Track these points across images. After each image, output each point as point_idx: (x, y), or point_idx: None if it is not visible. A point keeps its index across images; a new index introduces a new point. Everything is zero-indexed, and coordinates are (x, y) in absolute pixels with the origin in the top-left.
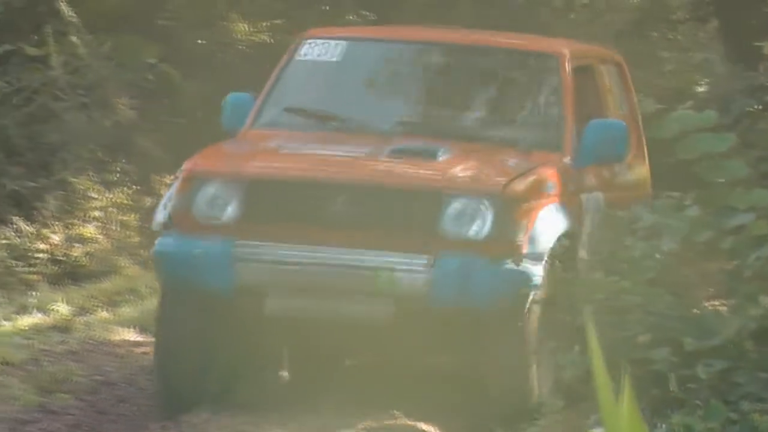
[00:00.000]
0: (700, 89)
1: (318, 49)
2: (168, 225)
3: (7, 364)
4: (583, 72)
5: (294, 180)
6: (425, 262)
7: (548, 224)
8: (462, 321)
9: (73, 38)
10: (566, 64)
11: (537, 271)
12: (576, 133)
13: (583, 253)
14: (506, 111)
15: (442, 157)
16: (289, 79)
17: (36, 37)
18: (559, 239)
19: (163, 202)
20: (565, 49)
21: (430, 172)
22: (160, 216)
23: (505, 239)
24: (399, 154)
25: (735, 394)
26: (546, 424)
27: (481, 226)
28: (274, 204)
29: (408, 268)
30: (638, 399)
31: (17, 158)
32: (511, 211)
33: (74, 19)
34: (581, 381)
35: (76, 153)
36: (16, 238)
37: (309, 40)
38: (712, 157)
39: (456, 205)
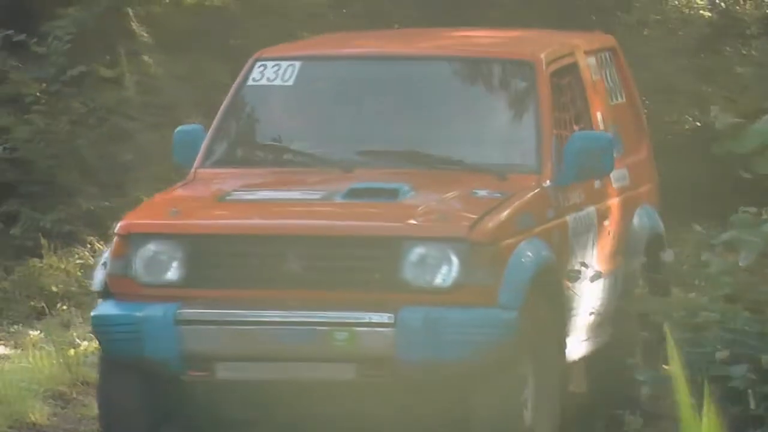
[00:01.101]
0: None
1: (270, 73)
2: (106, 289)
3: (85, 383)
4: (565, 73)
5: (241, 234)
6: (387, 318)
7: (524, 264)
8: (434, 377)
9: (146, 58)
10: (542, 70)
11: (512, 318)
12: (556, 149)
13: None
14: (477, 130)
15: (402, 197)
16: (240, 109)
17: (109, 58)
18: (536, 280)
19: (101, 260)
20: (540, 53)
21: (388, 216)
22: (99, 277)
23: (474, 286)
24: (356, 195)
25: None
26: None
27: (447, 274)
28: (221, 262)
29: (369, 326)
30: (717, 416)
31: (91, 178)
32: (479, 255)
33: (147, 39)
34: (659, 398)
35: (149, 173)
36: (91, 257)
37: (260, 62)
38: None
39: (418, 253)
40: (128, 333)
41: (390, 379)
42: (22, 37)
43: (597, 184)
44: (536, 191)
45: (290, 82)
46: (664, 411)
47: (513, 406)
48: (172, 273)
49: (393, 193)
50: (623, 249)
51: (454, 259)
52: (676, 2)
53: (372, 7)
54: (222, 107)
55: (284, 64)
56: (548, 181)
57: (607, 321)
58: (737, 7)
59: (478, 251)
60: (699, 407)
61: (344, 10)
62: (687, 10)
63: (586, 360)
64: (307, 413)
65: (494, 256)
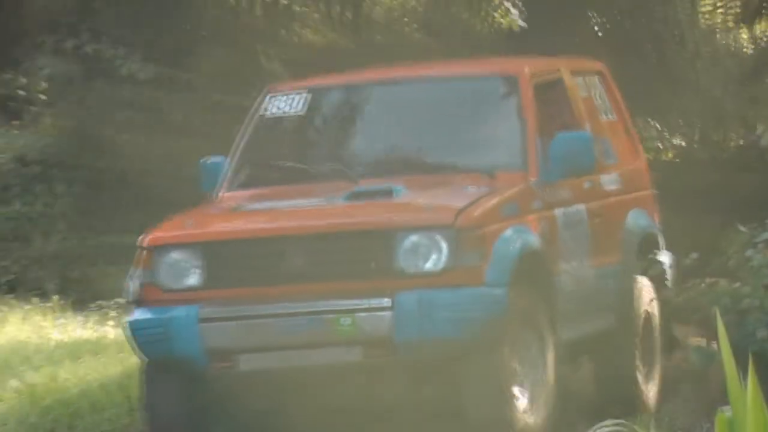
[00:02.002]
0: None
1: (282, 104)
2: (135, 298)
3: None
4: (550, 87)
5: (250, 237)
6: (386, 302)
7: (509, 246)
8: (431, 355)
9: None
10: (526, 82)
11: (501, 294)
12: (541, 150)
13: (564, 266)
14: (470, 137)
15: (397, 195)
16: (256, 139)
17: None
18: (522, 261)
19: (129, 273)
20: (525, 68)
21: (383, 211)
22: (130, 289)
23: (462, 268)
24: (355, 197)
25: None
26: (675, 405)
27: (437, 259)
28: (234, 264)
29: (370, 311)
30: (758, 386)
31: None
32: (466, 240)
33: (279, 71)
34: (706, 368)
35: None
36: None
37: (271, 95)
38: None
39: (410, 241)
40: (157, 334)
41: (392, 359)
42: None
43: (587, 184)
44: (522, 186)
45: (302, 111)
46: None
47: (501, 385)
48: (192, 277)
49: (388, 193)
50: (618, 246)
51: (443, 245)
52: (724, 39)
53: None
54: (238, 137)
55: (295, 95)
56: (534, 178)
57: (606, 310)
58: None
59: (464, 236)
60: (744, 378)
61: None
62: (733, 46)
63: (584, 345)
64: (324, 396)
65: (480, 239)
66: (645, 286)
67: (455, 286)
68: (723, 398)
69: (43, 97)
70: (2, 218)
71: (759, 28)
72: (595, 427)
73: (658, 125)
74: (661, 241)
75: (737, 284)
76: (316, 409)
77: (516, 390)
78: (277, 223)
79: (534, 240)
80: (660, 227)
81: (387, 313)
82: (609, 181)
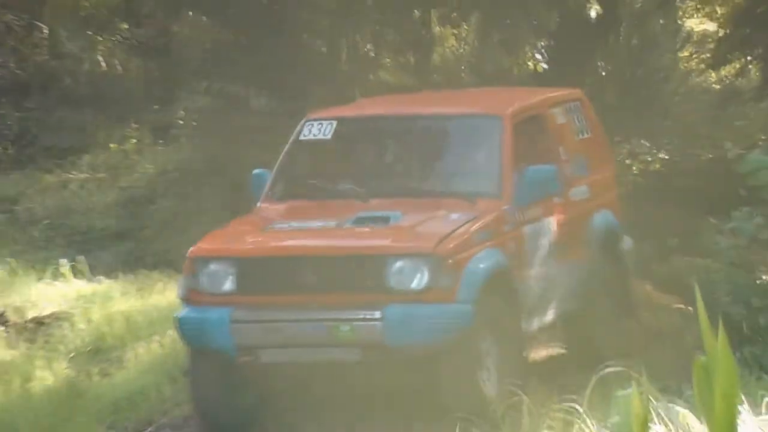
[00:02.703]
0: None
1: (315, 130)
2: (183, 298)
3: None
4: (531, 121)
5: (272, 256)
6: (377, 314)
7: (478, 269)
8: (415, 355)
9: None
10: (507, 122)
11: (468, 310)
12: (515, 180)
13: (531, 272)
14: (459, 166)
15: (393, 221)
16: (293, 157)
17: None
18: (489, 279)
19: (180, 278)
20: (507, 109)
21: (378, 238)
22: (180, 290)
23: (439, 288)
24: (359, 222)
25: None
26: (660, 354)
27: (420, 280)
28: (259, 276)
29: (365, 320)
30: (727, 338)
31: None
32: (442, 265)
33: None
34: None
35: None
36: None
37: (308, 122)
38: None
39: (398, 265)
40: (197, 330)
41: (383, 359)
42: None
43: (556, 200)
44: (495, 213)
45: (328, 137)
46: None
47: (471, 373)
48: (226, 285)
49: (386, 219)
50: (584, 242)
51: (425, 269)
52: (697, 79)
53: None
54: (281, 156)
55: (325, 122)
56: (507, 204)
57: (575, 294)
58: (736, 82)
59: (441, 263)
60: (715, 332)
61: None
62: (704, 85)
63: (559, 323)
64: (328, 385)
65: (453, 265)
66: (608, 270)
67: (433, 302)
68: (699, 349)
69: (194, 123)
70: (161, 211)
71: (723, 71)
72: (598, 371)
73: (648, 143)
74: (622, 232)
75: (708, 260)
76: (322, 395)
77: (483, 374)
78: (294, 245)
79: (502, 259)
80: (622, 222)
81: (378, 323)
82: (578, 192)
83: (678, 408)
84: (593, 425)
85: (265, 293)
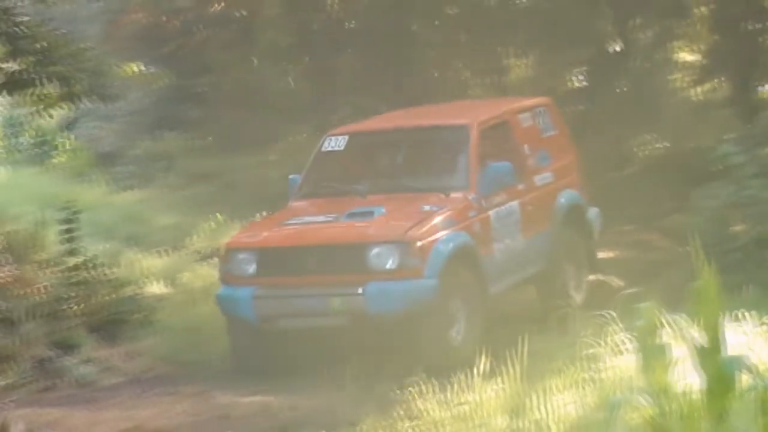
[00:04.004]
0: None
1: (333, 143)
2: (221, 279)
3: None
4: (495, 128)
5: (282, 246)
6: (360, 290)
7: (442, 250)
8: (392, 320)
9: None
10: (473, 130)
11: (433, 283)
12: (480, 175)
13: (497, 246)
14: (437, 167)
15: (375, 216)
16: (315, 165)
17: None
18: (453, 258)
19: (219, 264)
20: (475, 120)
21: (362, 230)
22: (219, 273)
23: (409, 267)
24: (351, 216)
25: None
26: (665, 278)
27: (393, 262)
28: (275, 262)
29: (351, 295)
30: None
31: None
32: (410, 249)
33: None
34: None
35: None
36: None
37: (328, 137)
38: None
39: (377, 251)
40: (230, 303)
41: (366, 324)
42: None
43: (521, 186)
44: (462, 203)
45: (342, 148)
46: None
47: (441, 329)
48: (250, 270)
49: (371, 213)
50: (550, 217)
51: (396, 253)
52: (683, 94)
53: None
54: (307, 164)
55: (340, 137)
56: (473, 194)
57: (540, 258)
58: (711, 96)
59: (409, 247)
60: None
61: None
62: (689, 97)
63: (531, 280)
64: (326, 347)
65: (420, 248)
66: (574, 237)
67: (404, 279)
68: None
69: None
70: None
71: (702, 88)
72: (618, 296)
73: (649, 137)
74: (587, 205)
75: (696, 217)
76: (324, 352)
77: (451, 330)
78: (299, 238)
79: (466, 239)
80: (585, 197)
81: (361, 297)
82: (542, 178)
83: (678, 317)
84: (621, 329)
85: (279, 275)
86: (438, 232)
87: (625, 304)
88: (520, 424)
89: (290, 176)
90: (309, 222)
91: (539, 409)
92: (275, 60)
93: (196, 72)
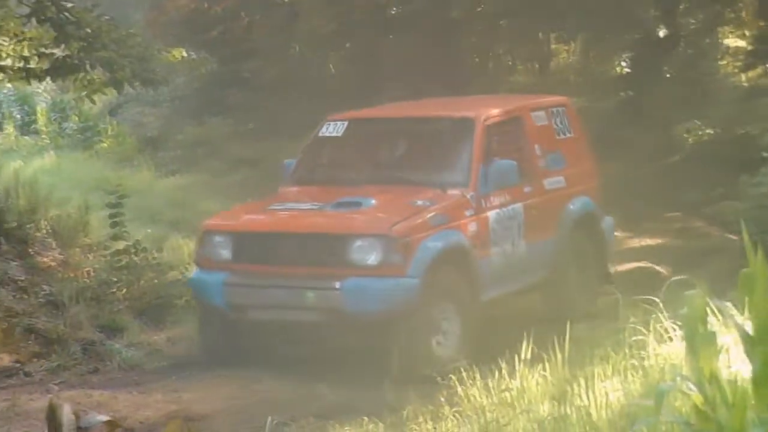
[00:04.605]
0: None
1: (332, 128)
2: (195, 262)
3: None
4: (503, 124)
5: (258, 231)
6: (337, 285)
7: (429, 248)
8: (369, 320)
9: None
10: (479, 124)
11: (415, 283)
12: (481, 172)
13: (495, 250)
14: (437, 160)
15: (363, 207)
16: (310, 150)
17: None
18: (442, 256)
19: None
20: (480, 113)
21: (345, 221)
22: (194, 256)
23: (391, 264)
24: (338, 206)
25: None
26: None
27: (375, 257)
28: (249, 248)
29: (327, 289)
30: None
31: None
32: (394, 244)
33: None
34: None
35: None
36: None
37: (327, 122)
38: None
39: (358, 244)
40: (201, 289)
41: (342, 323)
42: None
43: (527, 189)
44: (458, 200)
45: (340, 134)
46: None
47: (424, 337)
48: (224, 254)
49: (358, 204)
50: (558, 224)
51: (379, 248)
52: (732, 79)
53: None
54: (301, 149)
55: (339, 122)
56: (472, 192)
57: (543, 266)
58: (759, 81)
59: (393, 242)
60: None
61: None
62: (736, 83)
63: (535, 288)
64: (297, 343)
65: (405, 245)
66: (585, 246)
67: (385, 276)
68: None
69: None
70: None
71: (750, 74)
72: (666, 283)
73: (698, 122)
74: (601, 214)
75: (743, 203)
76: (296, 348)
77: (438, 337)
78: (276, 224)
79: (459, 239)
80: (600, 205)
81: (338, 292)
82: (552, 182)
83: (725, 304)
84: (667, 316)
85: (253, 262)
86: (428, 229)
87: (672, 291)
88: (564, 411)
89: (285, 161)
90: (292, 209)
91: (583, 396)
92: (317, 46)
93: (240, 58)
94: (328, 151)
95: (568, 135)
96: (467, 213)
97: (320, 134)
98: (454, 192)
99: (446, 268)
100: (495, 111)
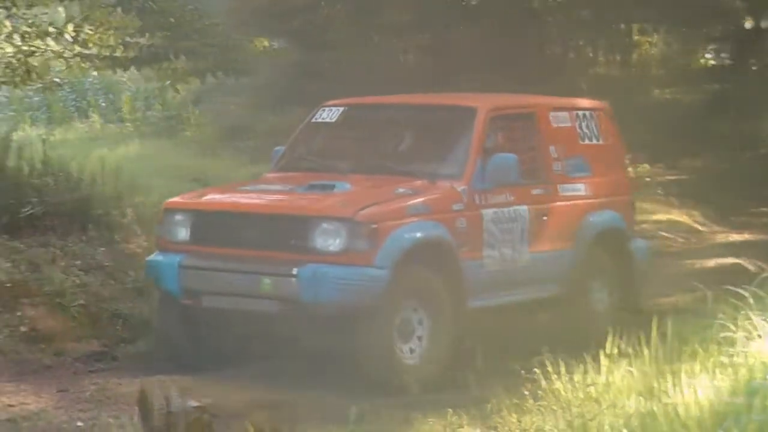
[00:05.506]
0: None
1: (326, 114)
2: (155, 244)
3: None
4: (512, 119)
5: (216, 210)
6: (294, 271)
7: (402, 238)
8: (328, 313)
9: None
10: (481, 114)
11: (383, 275)
12: (478, 165)
13: (489, 252)
14: (432, 150)
15: (336, 190)
16: (301, 136)
17: None
18: (417, 248)
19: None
20: (484, 104)
21: (311, 202)
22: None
23: (356, 251)
24: (310, 188)
25: None
26: None
27: (339, 242)
28: (208, 228)
29: (283, 276)
30: None
31: None
32: (360, 230)
33: (587, 92)
34: None
35: None
36: None
37: (323, 108)
38: None
39: (321, 228)
40: (156, 272)
41: (298, 315)
42: None
43: (536, 191)
44: (446, 191)
45: (333, 120)
46: None
47: (386, 340)
48: (182, 235)
49: (331, 187)
50: (573, 236)
51: (343, 233)
52: None
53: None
54: (293, 134)
55: (335, 108)
56: (464, 186)
57: (552, 280)
58: None
59: (359, 227)
60: None
61: None
62: None
63: (533, 306)
64: (254, 336)
65: (373, 231)
66: (609, 265)
67: (348, 265)
68: None
69: None
70: None
71: None
72: (756, 279)
73: None
74: (631, 234)
75: None
76: (254, 343)
77: (404, 342)
78: (237, 203)
79: (441, 234)
80: (631, 225)
81: (294, 279)
82: (570, 188)
83: None
84: (757, 313)
85: (210, 244)
86: (403, 217)
87: (761, 287)
88: (651, 407)
89: (276, 148)
90: (261, 190)
91: (671, 393)
92: (395, 36)
93: (319, 48)
94: (318, 137)
95: (596, 141)
96: (455, 206)
97: (313, 120)
98: (443, 183)
99: (422, 262)
100: (502, 103)
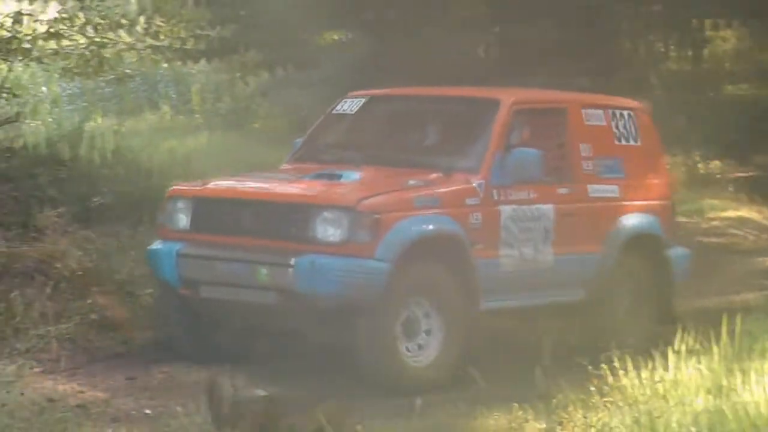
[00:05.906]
0: None
1: (347, 105)
2: (156, 232)
3: None
4: (540, 113)
5: (219, 198)
6: (292, 261)
7: (407, 230)
8: (326, 306)
9: None
10: (504, 106)
11: (384, 267)
12: (497, 159)
13: (507, 251)
14: (452, 142)
15: (343, 180)
16: (320, 127)
17: None
18: (426, 244)
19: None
20: (509, 96)
21: (311, 190)
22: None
23: (357, 242)
24: (316, 177)
25: None
26: None
27: (339, 232)
28: (208, 216)
29: (280, 266)
30: None
31: None
32: (362, 220)
33: (657, 85)
34: None
35: None
36: None
37: (345, 99)
38: None
39: (322, 217)
40: (154, 261)
41: (294, 306)
42: None
43: (562, 190)
44: (460, 184)
45: (353, 112)
46: None
47: (388, 338)
48: (183, 222)
49: (338, 177)
50: (603, 239)
51: (344, 223)
52: None
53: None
54: (314, 125)
55: (356, 100)
56: (481, 180)
57: (577, 284)
58: None
59: (360, 217)
60: None
61: None
62: None
63: (556, 311)
64: (253, 327)
65: (375, 222)
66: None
67: (348, 256)
68: None
69: None
70: None
71: None
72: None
73: None
74: (669, 241)
75: None
76: (252, 335)
77: (407, 342)
78: (239, 190)
79: (452, 228)
80: (672, 232)
81: (291, 269)
82: (600, 189)
83: None
84: None
85: (209, 232)
86: (410, 209)
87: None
88: (720, 406)
89: (295, 140)
90: (267, 178)
91: (740, 391)
92: (467, 30)
93: (390, 41)
94: (337, 129)
95: (633, 143)
96: (469, 201)
97: (333, 111)
98: (458, 177)
99: (430, 257)
100: (529, 97)
